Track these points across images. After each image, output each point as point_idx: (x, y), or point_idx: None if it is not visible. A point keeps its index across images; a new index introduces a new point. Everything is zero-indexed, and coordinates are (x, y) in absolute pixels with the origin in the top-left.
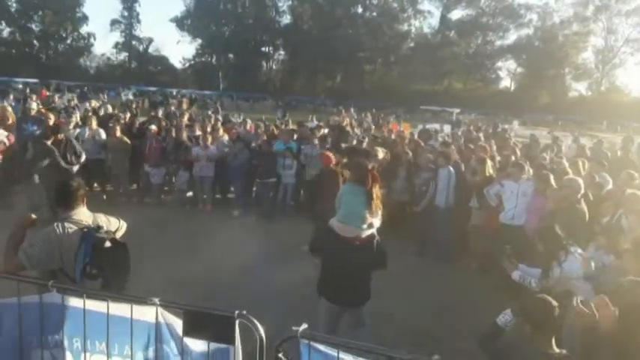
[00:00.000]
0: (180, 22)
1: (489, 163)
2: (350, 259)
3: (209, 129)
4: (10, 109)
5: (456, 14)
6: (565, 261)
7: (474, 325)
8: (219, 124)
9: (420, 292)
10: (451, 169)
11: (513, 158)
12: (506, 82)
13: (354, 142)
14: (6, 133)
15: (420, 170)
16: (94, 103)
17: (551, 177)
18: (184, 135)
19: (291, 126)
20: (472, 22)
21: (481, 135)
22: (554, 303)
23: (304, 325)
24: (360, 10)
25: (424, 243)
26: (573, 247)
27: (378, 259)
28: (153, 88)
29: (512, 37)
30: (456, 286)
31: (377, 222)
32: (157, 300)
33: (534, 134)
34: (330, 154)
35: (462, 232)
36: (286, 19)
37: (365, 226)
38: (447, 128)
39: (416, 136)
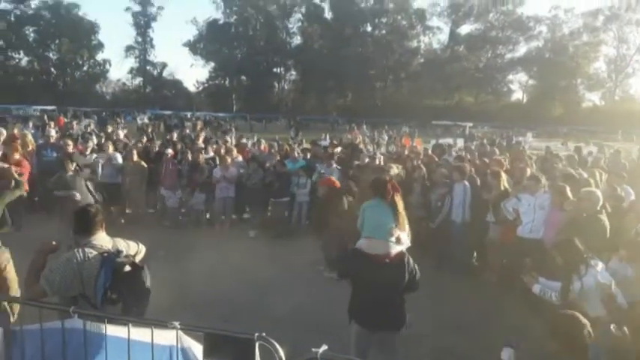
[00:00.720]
0: (193, 47)
1: (504, 176)
2: (380, 279)
3: (223, 151)
4: (30, 136)
5: (465, 29)
6: (586, 275)
7: (496, 340)
8: (233, 145)
9: (440, 307)
10: (466, 183)
11: (529, 171)
12: (518, 95)
13: (367, 159)
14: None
15: (435, 185)
16: (110, 129)
17: (568, 189)
18: (200, 157)
19: (305, 145)
20: (481, 36)
21: (495, 149)
22: (584, 321)
23: (324, 347)
24: (369, 28)
25: (441, 258)
26: (594, 261)
27: (410, 280)
28: (168, 112)
29: (522, 49)
30: (475, 301)
31: (406, 238)
32: (177, 324)
33: (549, 146)
34: (331, 179)
35: (479, 246)
36: (297, 40)
37: (393, 239)
38: (460, 142)
39: (429, 152)
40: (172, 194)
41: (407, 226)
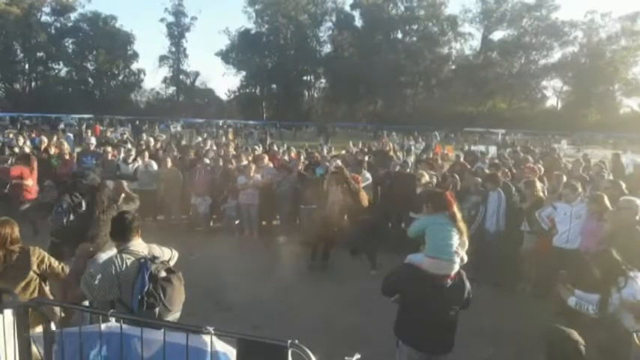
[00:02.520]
0: (225, 56)
1: (539, 185)
2: (441, 301)
3: (250, 157)
4: (66, 144)
5: (498, 35)
6: (625, 287)
7: (532, 352)
8: (264, 152)
9: (476, 318)
10: (501, 192)
11: (565, 179)
12: (552, 101)
13: (398, 167)
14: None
15: (469, 194)
16: (145, 137)
17: (606, 198)
18: (232, 164)
19: (334, 152)
20: (514, 42)
21: (529, 156)
22: (576, 338)
23: (357, 356)
24: (399, 35)
25: (476, 268)
26: (633, 272)
27: (466, 299)
28: (200, 120)
29: (556, 55)
30: (511, 312)
31: (464, 254)
32: (211, 329)
33: (586, 153)
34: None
35: (514, 256)
36: (327, 48)
37: (457, 259)
38: (493, 150)
39: (462, 159)
40: (202, 201)
41: (466, 241)
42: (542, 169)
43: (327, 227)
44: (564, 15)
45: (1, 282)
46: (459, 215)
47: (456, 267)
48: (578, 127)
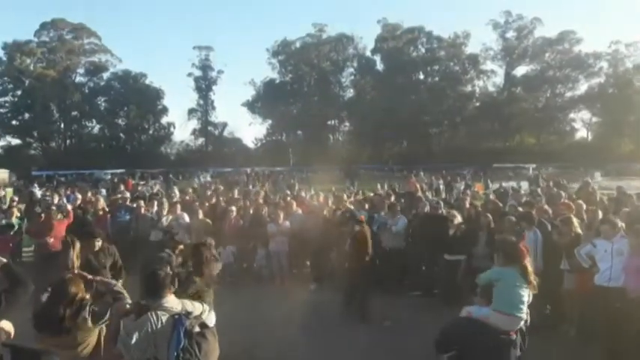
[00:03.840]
0: (251, 106)
1: (576, 221)
2: (507, 355)
3: (282, 203)
4: (102, 200)
5: (521, 70)
6: None
7: None
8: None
9: None
10: (537, 231)
11: (600, 214)
12: (582, 133)
13: (427, 208)
14: None
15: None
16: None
17: None
18: (262, 212)
19: (361, 195)
20: (538, 76)
21: (562, 192)
22: None
23: None
24: (421, 76)
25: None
26: None
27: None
28: (228, 169)
29: (582, 87)
30: (554, 355)
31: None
32: None
33: (621, 186)
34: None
35: (555, 297)
36: (349, 93)
37: (525, 316)
38: (525, 185)
39: (491, 196)
40: (224, 250)
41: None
42: (584, 205)
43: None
44: (587, 47)
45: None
46: (530, 269)
47: (522, 324)
48: (610, 158)
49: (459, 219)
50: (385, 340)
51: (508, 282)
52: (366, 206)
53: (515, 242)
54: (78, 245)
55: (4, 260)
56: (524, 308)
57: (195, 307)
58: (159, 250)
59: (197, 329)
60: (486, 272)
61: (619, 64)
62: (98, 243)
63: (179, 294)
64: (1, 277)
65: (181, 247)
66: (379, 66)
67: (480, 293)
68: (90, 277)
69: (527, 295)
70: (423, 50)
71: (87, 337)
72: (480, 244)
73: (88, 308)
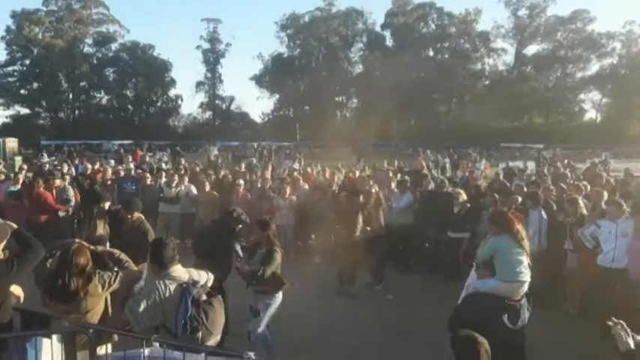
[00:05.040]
0: (259, 80)
1: (582, 202)
2: (514, 322)
3: (289, 179)
4: (110, 170)
5: (532, 49)
6: None
7: None
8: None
9: None
10: (542, 210)
11: (606, 195)
12: (591, 114)
13: (432, 185)
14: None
15: None
16: (183, 161)
17: None
18: (268, 186)
19: (367, 171)
20: (549, 55)
21: (567, 172)
22: (481, 339)
23: None
24: (431, 53)
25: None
26: None
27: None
28: (236, 143)
29: (594, 67)
30: (556, 334)
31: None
32: (252, 354)
33: (629, 167)
34: None
35: (557, 276)
36: (358, 69)
37: (529, 279)
38: (531, 165)
39: (501, 176)
40: None
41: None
42: (588, 187)
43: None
44: (601, 27)
45: (76, 310)
46: (522, 234)
47: (527, 287)
48: (619, 140)
49: (463, 197)
50: (386, 314)
51: (505, 250)
52: (371, 182)
53: (505, 212)
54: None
55: (15, 226)
56: (527, 271)
57: (200, 276)
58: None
59: (204, 297)
60: (483, 247)
61: (632, 44)
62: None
63: (268, 267)
64: (13, 243)
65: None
66: (389, 42)
67: (482, 266)
68: (92, 247)
69: (526, 259)
70: (434, 26)
71: (96, 303)
72: (484, 222)
73: (97, 275)
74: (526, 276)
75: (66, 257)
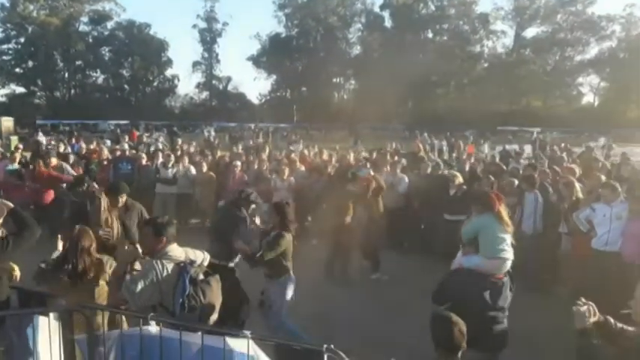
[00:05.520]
0: (256, 61)
1: (578, 186)
2: (498, 299)
3: (286, 161)
4: (106, 150)
5: (531, 32)
6: None
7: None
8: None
9: (511, 322)
10: (537, 193)
11: (603, 178)
12: (589, 98)
13: (429, 168)
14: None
15: (504, 195)
16: (180, 141)
17: None
18: (265, 167)
19: (364, 154)
20: (549, 38)
21: (564, 155)
22: (456, 319)
23: None
24: (430, 34)
25: (512, 271)
26: None
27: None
28: (232, 124)
29: (593, 50)
30: (547, 316)
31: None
32: (248, 333)
33: (625, 152)
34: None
35: (551, 258)
36: (356, 50)
37: (511, 256)
38: (528, 149)
39: (497, 159)
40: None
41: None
42: (580, 170)
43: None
44: (601, 9)
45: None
46: (504, 213)
47: (509, 265)
48: (616, 124)
49: (459, 179)
50: (383, 294)
51: (489, 228)
52: (368, 165)
53: (487, 192)
54: (106, 200)
55: (11, 205)
56: (509, 249)
57: (197, 256)
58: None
59: (201, 277)
60: (467, 226)
61: (632, 28)
62: (122, 199)
63: (268, 250)
64: (9, 222)
65: (253, 206)
66: (387, 23)
67: (467, 243)
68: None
69: (509, 237)
70: (433, 8)
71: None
72: None
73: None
74: (508, 253)
75: (71, 242)
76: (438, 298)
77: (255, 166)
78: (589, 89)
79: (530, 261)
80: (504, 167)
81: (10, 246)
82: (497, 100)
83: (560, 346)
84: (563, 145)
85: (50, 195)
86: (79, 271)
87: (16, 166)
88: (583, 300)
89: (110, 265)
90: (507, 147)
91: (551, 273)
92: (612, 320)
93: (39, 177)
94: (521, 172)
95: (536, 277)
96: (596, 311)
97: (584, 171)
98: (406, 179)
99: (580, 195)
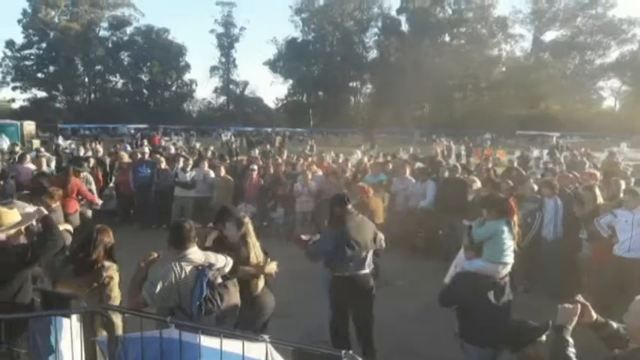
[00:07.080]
0: (273, 65)
1: (598, 191)
2: (499, 298)
3: (305, 166)
4: (126, 154)
5: (550, 35)
6: None
7: None
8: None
9: None
10: (557, 199)
11: (624, 184)
12: (609, 102)
13: (447, 172)
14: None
15: (524, 201)
16: (198, 145)
17: None
18: (282, 171)
19: (381, 158)
20: (568, 42)
21: (585, 159)
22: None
23: None
24: (447, 38)
25: (531, 278)
26: None
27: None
28: (249, 128)
29: (613, 54)
30: (577, 325)
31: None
32: (267, 337)
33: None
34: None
35: (571, 265)
36: (373, 54)
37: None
38: (541, 153)
39: (515, 164)
40: (244, 207)
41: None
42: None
43: None
44: (621, 12)
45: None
46: (516, 222)
47: (510, 268)
48: (638, 129)
49: (478, 184)
50: (401, 300)
51: (502, 233)
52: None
53: (506, 199)
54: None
55: (46, 212)
56: (512, 254)
57: (218, 260)
58: None
59: (219, 280)
60: (482, 229)
61: None
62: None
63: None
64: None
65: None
66: (404, 27)
67: (470, 246)
68: None
69: (512, 242)
70: (450, 11)
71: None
72: None
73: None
74: (510, 258)
75: (91, 234)
76: (444, 301)
77: (271, 170)
78: (610, 93)
79: (550, 267)
80: (524, 172)
81: (29, 257)
82: (515, 104)
83: (580, 352)
84: (583, 149)
85: (74, 206)
86: (89, 261)
87: (45, 169)
88: (581, 299)
89: (116, 269)
90: (526, 152)
91: (570, 279)
92: (614, 324)
93: (71, 188)
94: (538, 177)
95: (557, 284)
96: (592, 312)
97: (607, 176)
98: (433, 185)
99: (600, 200)
